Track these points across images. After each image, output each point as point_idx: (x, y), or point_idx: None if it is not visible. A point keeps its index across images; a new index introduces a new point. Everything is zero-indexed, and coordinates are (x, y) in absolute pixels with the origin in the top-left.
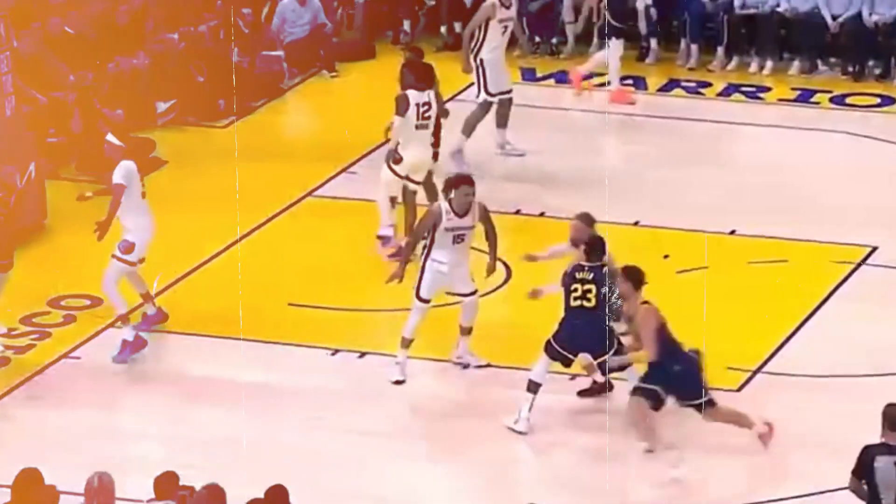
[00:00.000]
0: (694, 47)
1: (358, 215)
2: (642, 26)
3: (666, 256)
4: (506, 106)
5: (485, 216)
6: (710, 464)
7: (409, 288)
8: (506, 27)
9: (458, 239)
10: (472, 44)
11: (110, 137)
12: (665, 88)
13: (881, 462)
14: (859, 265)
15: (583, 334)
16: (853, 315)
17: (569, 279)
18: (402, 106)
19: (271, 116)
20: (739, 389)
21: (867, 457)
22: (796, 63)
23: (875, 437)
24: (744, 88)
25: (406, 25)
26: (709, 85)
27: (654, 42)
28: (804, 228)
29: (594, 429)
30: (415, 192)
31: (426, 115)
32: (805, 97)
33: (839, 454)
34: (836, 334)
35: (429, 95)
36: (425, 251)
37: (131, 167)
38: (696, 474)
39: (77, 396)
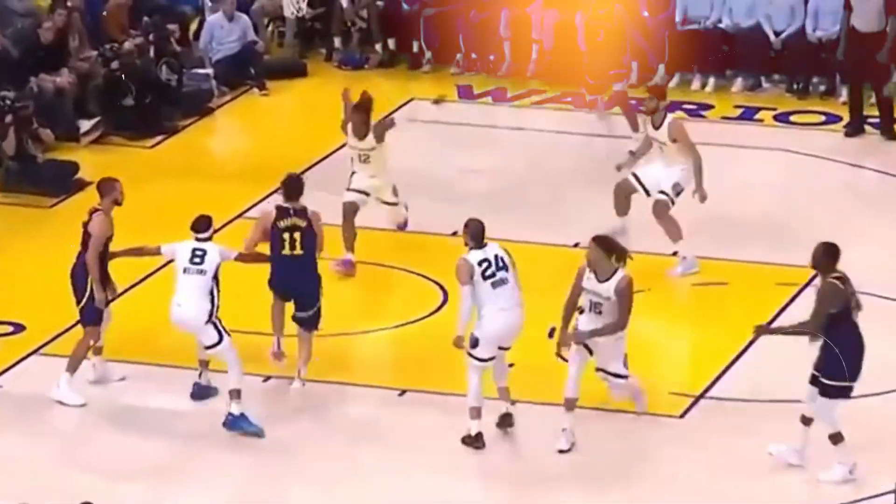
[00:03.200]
0: (634, 64)
1: None
2: (581, 43)
3: None
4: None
5: None
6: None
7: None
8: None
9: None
10: None
11: None
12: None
13: None
14: (804, 287)
15: None
16: (797, 339)
17: None
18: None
19: (200, 136)
20: (682, 416)
21: None
22: (739, 80)
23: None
24: (686, 106)
25: (338, 42)
26: (710, 107)
27: None
28: (747, 249)
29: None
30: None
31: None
32: (748, 115)
33: (787, 480)
34: (780, 359)
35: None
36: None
37: None
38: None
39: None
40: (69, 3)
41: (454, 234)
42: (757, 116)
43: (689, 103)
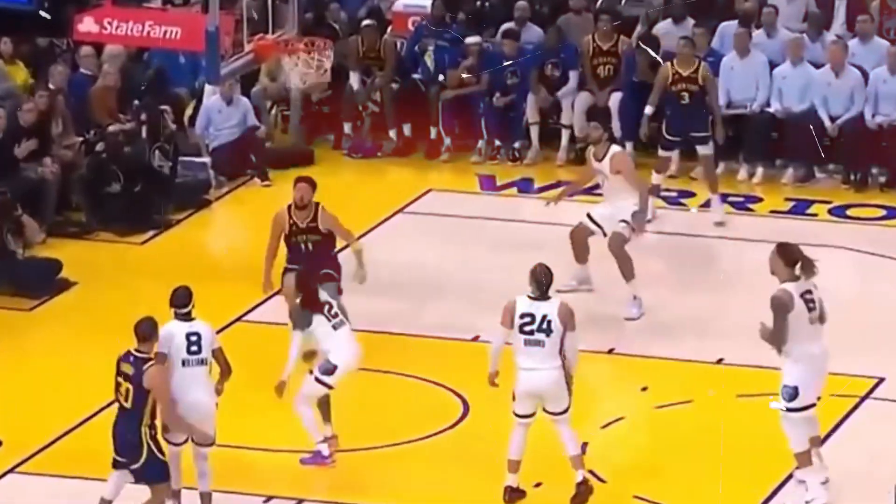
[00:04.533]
0: (674, 152)
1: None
2: (616, 129)
3: (644, 389)
4: None
5: None
6: None
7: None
8: None
9: None
10: None
11: None
12: None
13: None
14: (864, 398)
15: None
16: (857, 455)
17: None
18: None
19: (196, 231)
20: None
21: None
22: (790, 170)
23: None
24: (731, 198)
25: (348, 128)
26: (692, 195)
27: (629, 146)
28: None
29: None
30: None
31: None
32: (801, 208)
33: None
34: (837, 477)
35: None
36: None
37: None
38: None
39: None
40: (51, 85)
41: (475, 338)
42: (810, 210)
43: (735, 195)
